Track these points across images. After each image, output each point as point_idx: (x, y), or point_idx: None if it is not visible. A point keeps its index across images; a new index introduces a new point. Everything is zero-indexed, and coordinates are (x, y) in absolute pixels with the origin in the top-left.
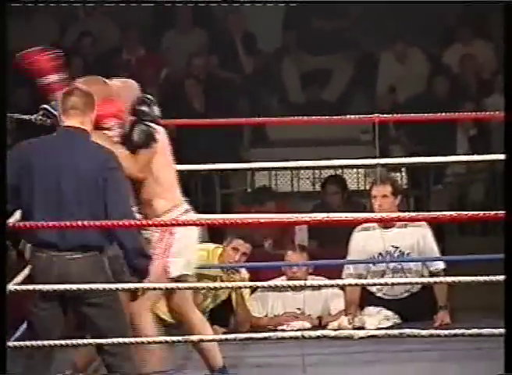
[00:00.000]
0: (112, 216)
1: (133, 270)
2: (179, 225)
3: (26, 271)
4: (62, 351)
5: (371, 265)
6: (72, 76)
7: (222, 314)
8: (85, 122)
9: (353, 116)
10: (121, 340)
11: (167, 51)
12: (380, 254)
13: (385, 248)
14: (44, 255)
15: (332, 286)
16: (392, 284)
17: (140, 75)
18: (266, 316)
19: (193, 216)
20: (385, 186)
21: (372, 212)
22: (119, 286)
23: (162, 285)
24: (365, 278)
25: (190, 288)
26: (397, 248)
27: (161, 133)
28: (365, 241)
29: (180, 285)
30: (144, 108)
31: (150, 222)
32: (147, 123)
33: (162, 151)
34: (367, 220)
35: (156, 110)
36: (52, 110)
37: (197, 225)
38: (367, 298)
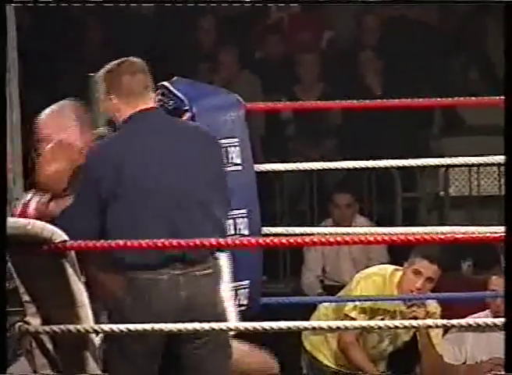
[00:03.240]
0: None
1: None
2: (312, 244)
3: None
4: None
5: None
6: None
7: (405, 360)
8: None
9: None
10: None
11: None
12: None
13: None
14: (163, 277)
15: None
16: None
17: (293, 39)
18: (464, 364)
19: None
20: None
21: None
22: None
23: (325, 324)
24: None
25: (359, 328)
26: None
27: None
28: None
29: (348, 323)
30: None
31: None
32: None
33: None
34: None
35: None
36: (175, 91)
37: (339, 243)
38: None
